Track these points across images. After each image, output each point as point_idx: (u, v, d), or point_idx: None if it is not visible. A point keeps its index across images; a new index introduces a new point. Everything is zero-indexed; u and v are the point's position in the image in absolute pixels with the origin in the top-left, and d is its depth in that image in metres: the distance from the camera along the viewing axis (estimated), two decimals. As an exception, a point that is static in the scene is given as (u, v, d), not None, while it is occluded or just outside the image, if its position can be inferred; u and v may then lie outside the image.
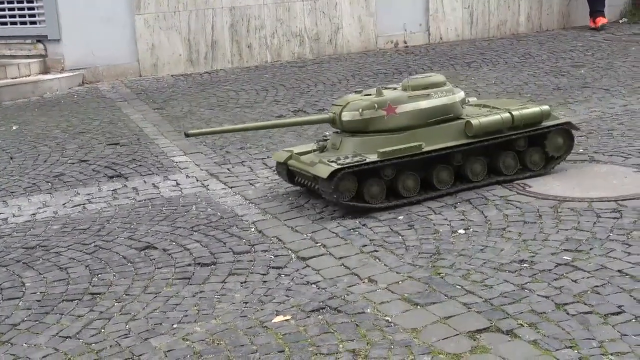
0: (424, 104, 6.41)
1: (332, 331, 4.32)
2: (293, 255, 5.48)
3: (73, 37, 12.07)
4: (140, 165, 7.92)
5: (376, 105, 6.31)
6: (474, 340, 4.11)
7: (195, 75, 12.44)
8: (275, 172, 7.02)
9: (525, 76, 11.17)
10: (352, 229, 5.89)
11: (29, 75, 11.97)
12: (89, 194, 7.15)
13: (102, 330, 4.56)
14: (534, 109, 6.70)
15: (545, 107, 6.78)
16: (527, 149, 6.73)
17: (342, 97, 6.81)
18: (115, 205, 6.84)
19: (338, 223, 6.00)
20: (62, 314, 4.81)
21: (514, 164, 6.68)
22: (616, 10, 15.70)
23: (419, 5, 14.14)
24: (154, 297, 4.97)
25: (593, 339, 4.02)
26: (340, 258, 5.36)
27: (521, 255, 5.14)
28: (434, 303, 4.55)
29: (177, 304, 4.84)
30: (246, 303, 4.78)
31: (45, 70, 12.18)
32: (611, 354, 3.86)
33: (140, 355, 4.24)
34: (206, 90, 11.42)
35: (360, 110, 6.28)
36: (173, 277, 5.26)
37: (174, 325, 4.55)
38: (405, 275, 4.99)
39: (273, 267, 5.30)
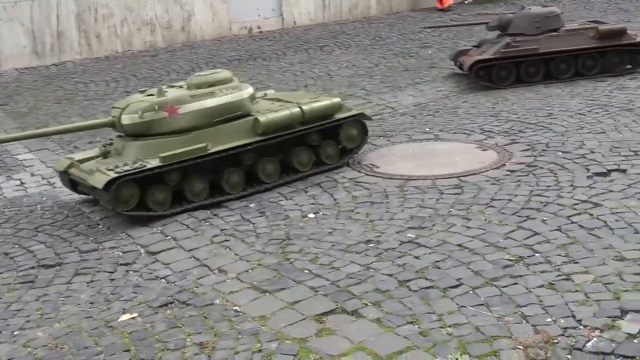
0: (209, 102, 6.11)
1: (180, 325, 4.27)
2: (142, 250, 5.38)
3: None
4: (-13, 164, 7.55)
5: (157, 107, 5.92)
6: (321, 323, 4.17)
7: (41, 68, 11.95)
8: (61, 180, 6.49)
9: (376, 58, 11.40)
10: (203, 219, 5.84)
11: None
12: None
13: (-64, 344, 4.32)
14: (324, 102, 6.56)
15: (336, 100, 6.69)
16: (321, 143, 6.59)
17: (125, 98, 6.43)
18: (-47, 209, 6.48)
19: (189, 214, 5.93)
20: None
21: (308, 159, 6.51)
22: (462, -9, 16.29)
23: (271, -10, 14.15)
24: (-6, 304, 4.76)
25: (433, 313, 4.16)
26: (191, 250, 5.31)
27: (368, 236, 5.25)
28: (282, 289, 4.59)
29: (19, 310, 4.65)
30: (92, 303, 4.65)
31: None
32: (449, 326, 4.01)
33: (-23, 366, 4.05)
34: (53, 83, 10.99)
35: (140, 112, 5.88)
36: (15, 281, 5.04)
37: (15, 332, 4.37)
38: (255, 263, 5.00)
39: (121, 264, 5.18)
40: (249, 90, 6.41)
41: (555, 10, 9.56)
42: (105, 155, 6.09)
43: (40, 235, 5.78)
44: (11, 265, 5.28)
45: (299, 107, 6.38)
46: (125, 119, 5.92)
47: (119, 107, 6.03)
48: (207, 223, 5.77)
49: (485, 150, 6.91)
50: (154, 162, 5.76)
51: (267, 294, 4.56)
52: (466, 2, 16.18)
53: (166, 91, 6.13)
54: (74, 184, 6.22)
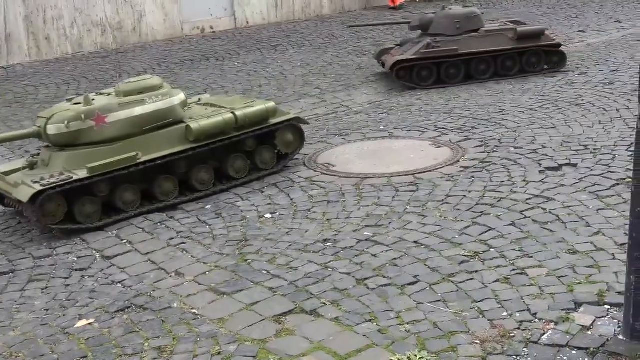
0: (138, 110, 5.94)
1: (138, 330, 4.23)
2: (97, 255, 5.32)
3: None
4: None
5: (83, 116, 5.74)
6: (280, 323, 4.17)
7: (-11, 72, 11.71)
8: None
9: (330, 57, 11.42)
10: (159, 222, 5.79)
11: None
12: None
13: None
14: (258, 107, 6.44)
15: (271, 104, 6.56)
16: (256, 148, 6.49)
17: (51, 107, 6.21)
18: None
19: (144, 217, 5.87)
20: None
21: (244, 166, 6.40)
22: (413, -10, 16.40)
23: (223, -11, 14.07)
24: (-54, 313, 4.66)
25: (391, 310, 4.19)
26: (147, 254, 5.26)
27: (325, 235, 5.27)
28: (240, 291, 4.57)
29: (-29, 319, 4.57)
30: (47, 310, 4.58)
31: None
32: (407, 323, 4.05)
33: None
34: (2, 86, 10.78)
35: (66, 122, 5.70)
36: (-33, 290, 4.94)
37: (-32, 342, 4.29)
38: (212, 265, 4.98)
39: (76, 270, 5.11)
40: (180, 96, 6.23)
41: (475, 11, 9.66)
42: (32, 166, 5.87)
43: (-8, 242, 5.68)
44: (-38, 274, 5.18)
45: (232, 112, 6.24)
46: (51, 129, 5.71)
47: (44, 116, 5.81)
48: (163, 226, 5.72)
49: (439, 147, 6.98)
50: (81, 174, 5.58)
51: (225, 296, 4.54)
52: (417, 0, 16.29)
53: (94, 99, 5.93)
54: (0, 197, 6.00)
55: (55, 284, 4.93)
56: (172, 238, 5.48)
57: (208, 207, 6.03)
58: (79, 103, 5.86)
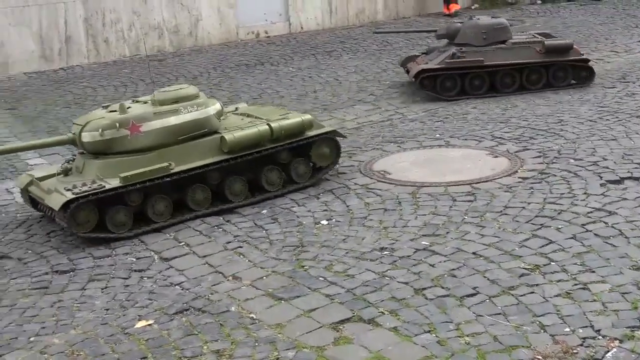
0: (173, 120, 5.89)
1: (196, 333, 4.27)
2: (156, 257, 5.38)
3: None
4: (-9, 168, 7.54)
5: (117, 124, 5.73)
6: (337, 331, 4.16)
7: (49, 72, 11.95)
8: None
9: (384, 63, 11.40)
10: (216, 225, 5.83)
11: None
12: None
13: (-48, 350, 4.32)
14: (294, 119, 6.34)
15: (307, 117, 6.46)
16: (291, 161, 6.38)
17: (87, 114, 6.21)
18: (-35, 214, 6.48)
19: (202, 220, 5.92)
20: None
21: (278, 178, 6.30)
22: (468, -3, 16.30)
23: (279, -5, 14.16)
24: (9, 309, 4.76)
25: (450, 322, 4.16)
26: (204, 256, 5.31)
27: (382, 243, 5.25)
28: (297, 297, 4.58)
29: (34, 316, 4.65)
30: (107, 310, 4.65)
31: None
32: (467, 335, 4.01)
33: (-5, 373, 4.06)
34: (62, 87, 10.99)
35: (101, 130, 5.71)
36: (29, 287, 5.04)
37: (31, 339, 4.37)
38: (269, 270, 5.00)
39: (135, 270, 5.18)
40: (215, 106, 6.19)
41: (503, 22, 9.48)
42: (66, 172, 5.90)
43: (53, 241, 5.77)
44: (25, 271, 5.29)
45: (268, 124, 6.15)
46: (86, 137, 5.73)
47: (79, 123, 5.82)
48: (220, 229, 5.76)
49: (496, 157, 6.91)
50: (114, 182, 5.57)
51: (282, 301, 4.55)
52: (473, 7, 16.19)
53: (129, 107, 5.92)
54: (34, 202, 6.04)
55: (115, 284, 5.00)
56: (229, 242, 5.52)
57: (264, 211, 6.05)
58: (115, 111, 5.84)
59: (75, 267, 5.29)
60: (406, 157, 7.10)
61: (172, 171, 5.76)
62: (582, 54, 9.47)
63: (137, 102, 6.11)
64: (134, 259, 5.36)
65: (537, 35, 9.67)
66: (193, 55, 12.72)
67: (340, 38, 13.66)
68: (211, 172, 5.99)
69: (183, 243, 5.56)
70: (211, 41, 13.52)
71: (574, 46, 9.40)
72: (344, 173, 6.77)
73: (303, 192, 6.40)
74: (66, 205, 5.41)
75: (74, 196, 5.43)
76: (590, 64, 9.44)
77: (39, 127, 8.89)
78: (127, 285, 4.97)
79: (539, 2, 16.21)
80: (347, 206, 6.03)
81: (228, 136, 5.99)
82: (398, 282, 4.65)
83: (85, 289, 4.96)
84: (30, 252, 5.60)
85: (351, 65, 11.44)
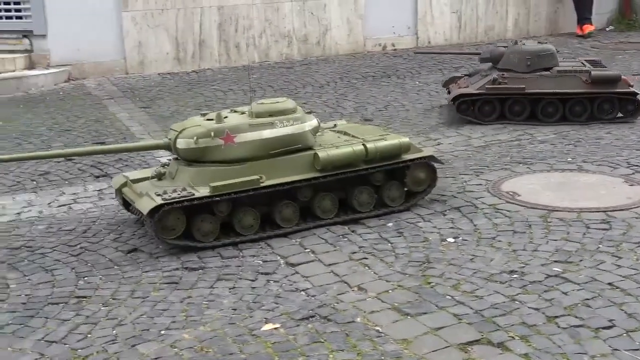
0: (267, 133, 5.83)
1: (322, 340, 4.28)
2: (282, 261, 5.44)
3: (59, 32, 11.93)
4: (126, 165, 7.83)
5: (212, 133, 5.72)
6: (465, 352, 4.09)
7: (182, 74, 12.36)
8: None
9: (513, 82, 11.14)
10: (341, 235, 5.85)
11: (14, 71, 11.81)
12: (74, 194, 7.06)
13: (89, 336, 4.50)
14: (391, 141, 6.16)
15: (405, 140, 6.25)
16: (385, 183, 6.22)
17: (185, 120, 6.22)
18: (102, 206, 6.75)
19: (327, 229, 5.96)
20: (47, 318, 4.74)
21: (369, 200, 6.16)
22: (603, 18, 15.76)
23: (408, 8, 14.12)
24: (141, 301, 4.92)
25: (585, 354, 4.01)
26: (330, 265, 5.33)
27: (511, 266, 5.13)
28: (424, 313, 4.53)
29: (164, 310, 4.79)
30: (235, 310, 4.74)
31: (31, 66, 12.03)
32: (603, 369, 3.86)
33: (128, 362, 4.19)
34: (193, 89, 11.34)
35: (196, 138, 5.71)
36: (160, 281, 5.20)
37: (162, 332, 4.50)
38: (395, 284, 4.97)
39: (262, 273, 5.25)
40: (312, 122, 6.07)
41: (550, 49, 9.02)
42: (160, 177, 5.93)
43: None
44: (156, 265, 5.46)
45: (364, 144, 6.02)
46: (180, 143, 5.76)
47: (176, 129, 5.87)
48: (345, 239, 5.78)
49: (632, 185, 6.64)
50: (203, 191, 5.57)
51: (408, 316, 4.51)
52: (607, 29, 15.66)
53: (226, 117, 5.89)
54: (127, 203, 6.11)
55: (242, 285, 5.09)
56: (355, 252, 5.52)
57: (390, 224, 6.03)
58: (212, 119, 5.85)
59: (204, 265, 5.42)
60: (536, 180, 6.92)
61: (262, 184, 5.70)
62: (631, 86, 8.92)
63: (235, 112, 6.08)
64: (261, 262, 5.44)
65: (585, 63, 9.22)
66: (320, 65, 12.86)
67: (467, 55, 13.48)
68: (302, 188, 5.89)
69: (309, 250, 5.61)
70: (338, 51, 13.63)
71: (622, 77, 8.88)
72: (471, 191, 6.66)
73: (429, 207, 6.34)
74: (154, 210, 5.44)
75: (162, 202, 5.44)
76: (639, 97, 8.88)
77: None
78: (254, 287, 5.04)
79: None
80: (475, 225, 5.93)
81: (321, 154, 5.88)
82: (529, 307, 4.52)
83: (213, 287, 5.07)
84: (160, 247, 5.77)
85: (479, 82, 11.25)
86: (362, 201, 6.14)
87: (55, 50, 12.00)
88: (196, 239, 5.64)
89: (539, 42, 9.52)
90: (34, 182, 7.46)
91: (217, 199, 5.59)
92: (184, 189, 5.60)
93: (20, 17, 12.10)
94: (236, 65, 12.85)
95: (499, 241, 5.59)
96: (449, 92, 9.46)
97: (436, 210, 6.29)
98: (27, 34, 12.09)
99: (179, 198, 5.50)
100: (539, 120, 8.86)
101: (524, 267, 5.10)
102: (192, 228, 5.62)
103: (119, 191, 6.16)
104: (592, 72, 8.78)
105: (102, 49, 12.17)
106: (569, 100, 8.83)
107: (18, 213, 6.66)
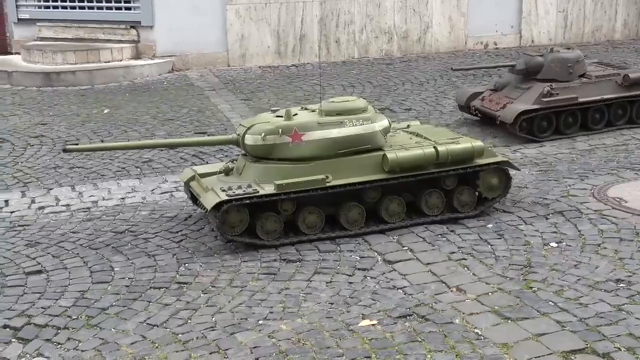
0: (335, 132, 5.68)
1: (420, 340, 4.24)
2: (379, 258, 5.42)
3: (166, 24, 12.26)
4: (226, 156, 7.94)
5: (280, 131, 5.63)
6: (569, 361, 3.97)
7: (282, 68, 12.48)
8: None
9: (621, 85, 10.76)
10: (440, 234, 5.78)
11: (121, 60, 12.21)
12: (176, 182, 7.22)
13: (189, 321, 4.59)
14: (464, 145, 5.93)
15: (478, 144, 6.00)
16: (456, 188, 6.00)
17: (255, 116, 6.13)
18: (202, 194, 6.87)
19: (425, 227, 5.89)
20: (149, 301, 4.86)
21: (439, 204, 5.95)
22: None
23: (512, 6, 13.84)
24: (240, 290, 4.98)
25: (696, 370, 3.83)
26: (428, 264, 5.27)
27: (617, 274, 4.95)
28: (525, 318, 4.42)
29: (262, 300, 4.84)
30: (332, 304, 4.74)
31: (137, 56, 12.40)
32: None
33: (227, 349, 4.25)
34: (293, 83, 11.43)
35: (263, 134, 5.63)
36: (259, 271, 5.25)
37: (260, 322, 4.55)
38: (495, 286, 4.87)
39: (359, 269, 5.24)
40: (382, 122, 5.91)
41: (581, 54, 8.59)
42: (227, 172, 5.89)
43: (281, 230, 5.98)
44: (255, 255, 5.51)
45: (435, 147, 5.82)
46: (249, 139, 5.70)
47: (245, 125, 5.82)
48: (444, 238, 5.70)
49: None
50: (268, 189, 5.49)
51: (509, 321, 4.41)
52: None
53: (295, 114, 5.81)
54: (194, 197, 6.08)
55: (339, 280, 5.08)
56: (453, 252, 5.44)
57: (490, 225, 5.92)
58: (281, 116, 5.79)
59: (302, 258, 5.44)
60: (645, 186, 6.67)
61: (328, 184, 5.60)
62: None
63: (306, 109, 6.00)
64: (358, 257, 5.43)
65: (608, 67, 8.85)
66: (420, 62, 12.75)
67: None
68: (369, 190, 5.76)
69: (406, 248, 5.56)
70: (439, 49, 13.49)
71: None
72: (575, 196, 6.47)
73: (531, 210, 6.19)
74: (218, 205, 5.42)
75: (226, 198, 5.40)
76: None
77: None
78: (351, 283, 5.04)
79: None
80: (579, 231, 5.75)
81: (390, 155, 5.73)
82: (636, 318, 4.35)
83: (311, 281, 5.09)
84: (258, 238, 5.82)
85: (584, 84, 10.91)
86: (431, 204, 5.95)
87: (160, 41, 12.32)
88: (259, 236, 5.59)
89: (567, 48, 9.01)
90: (138, 169, 7.66)
91: (281, 197, 5.52)
92: (249, 186, 5.55)
93: (129, 9, 12.47)
94: (335, 60, 12.87)
95: (605, 248, 5.40)
96: (469, 110, 8.88)
97: (538, 213, 6.13)
98: (134, 25, 12.46)
99: (242, 195, 5.45)
100: (589, 130, 8.45)
101: (631, 276, 4.91)
102: (256, 225, 5.58)
103: (187, 185, 6.16)
104: (630, 75, 8.44)
105: (205, 41, 12.42)
106: (612, 105, 8.50)
107: (122, 198, 6.86)
